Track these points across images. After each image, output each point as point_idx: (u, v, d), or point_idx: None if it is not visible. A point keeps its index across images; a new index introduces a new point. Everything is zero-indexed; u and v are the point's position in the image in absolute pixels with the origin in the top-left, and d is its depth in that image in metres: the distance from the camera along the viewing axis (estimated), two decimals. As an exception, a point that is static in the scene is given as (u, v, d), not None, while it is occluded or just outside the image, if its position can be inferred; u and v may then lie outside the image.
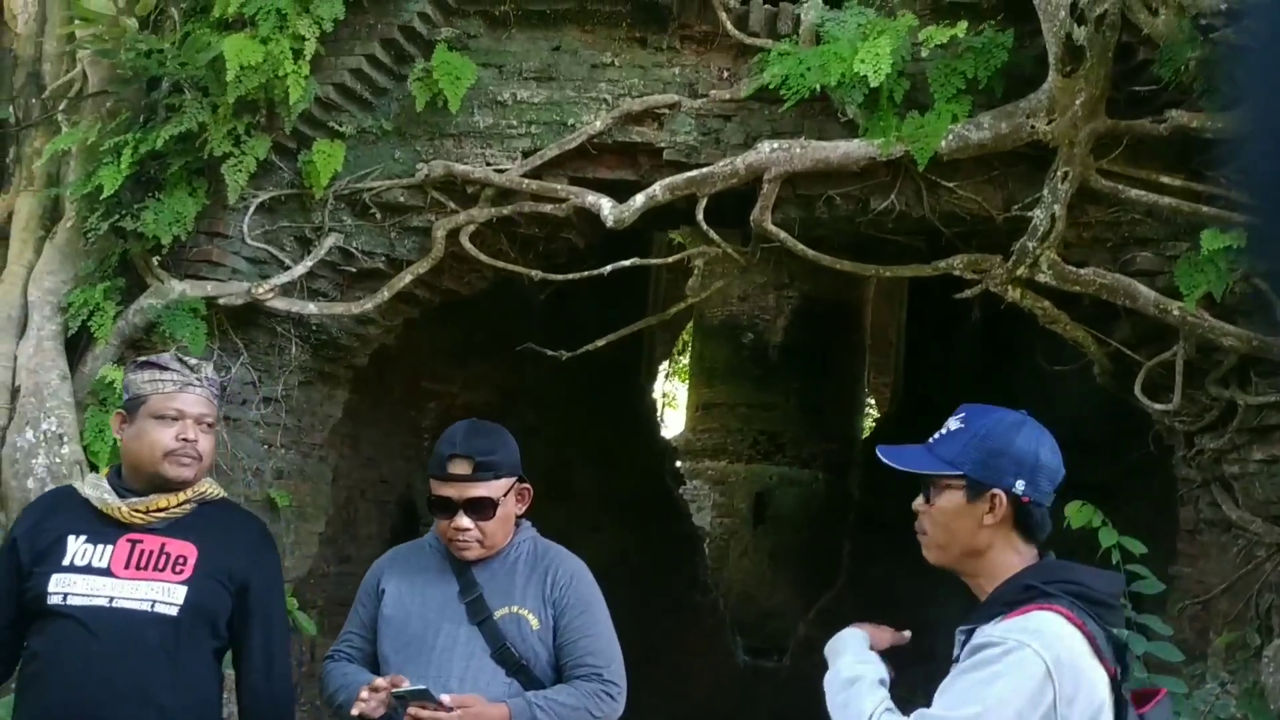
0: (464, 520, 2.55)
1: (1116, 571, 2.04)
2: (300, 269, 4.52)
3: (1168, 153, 4.01)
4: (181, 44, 4.34)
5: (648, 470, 9.92)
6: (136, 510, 2.56)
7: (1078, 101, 3.84)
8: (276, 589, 2.77)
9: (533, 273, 4.67)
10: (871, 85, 3.80)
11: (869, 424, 13.82)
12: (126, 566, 2.53)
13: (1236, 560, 4.31)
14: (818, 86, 3.96)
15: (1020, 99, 3.96)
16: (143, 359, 2.73)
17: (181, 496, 2.60)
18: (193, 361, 2.69)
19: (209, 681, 2.64)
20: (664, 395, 17.69)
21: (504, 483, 2.60)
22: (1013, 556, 1.95)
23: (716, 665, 9.53)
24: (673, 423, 16.84)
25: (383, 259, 4.64)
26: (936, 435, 2.02)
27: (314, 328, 4.71)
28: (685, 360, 16.31)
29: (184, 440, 2.56)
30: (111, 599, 2.51)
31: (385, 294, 4.60)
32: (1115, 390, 4.64)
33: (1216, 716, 3.88)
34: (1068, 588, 1.88)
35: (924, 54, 3.97)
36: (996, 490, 1.92)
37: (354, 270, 4.67)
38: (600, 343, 4.96)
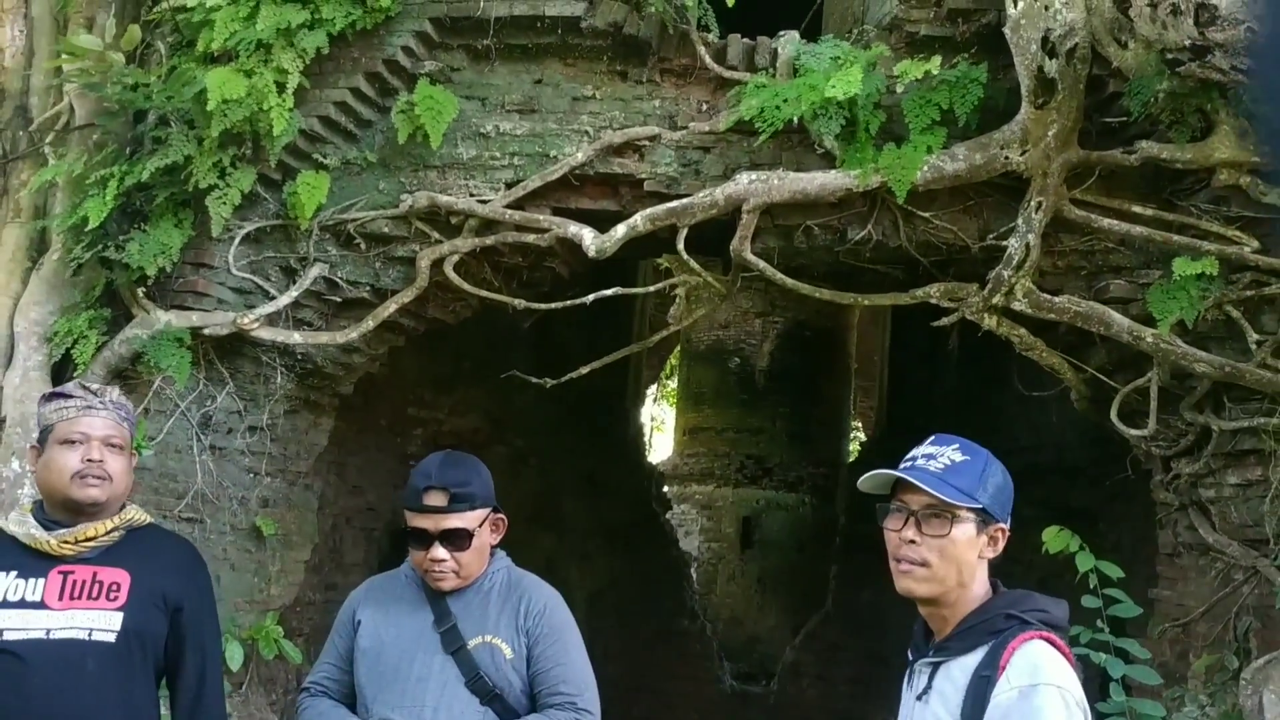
0: (440, 551, 2.57)
1: (1059, 598, 2.07)
2: (285, 299, 4.56)
3: (1139, 182, 4.08)
4: (167, 78, 4.40)
5: (635, 496, 9.94)
6: (65, 542, 2.54)
7: (1050, 133, 3.91)
8: (209, 611, 2.78)
9: (516, 302, 4.71)
10: (839, 103, 3.86)
11: (855, 448, 13.87)
12: (60, 598, 2.52)
13: (1215, 583, 4.35)
14: (794, 118, 4.03)
15: (994, 130, 4.03)
16: (49, 391, 2.73)
17: (110, 524, 2.59)
18: (95, 386, 2.70)
19: (150, 705, 2.64)
20: (652, 419, 17.71)
21: (479, 514, 2.62)
22: (980, 588, 1.99)
23: (704, 690, 9.53)
24: (661, 447, 16.86)
25: (367, 289, 4.68)
26: (938, 465, 1.98)
27: (299, 357, 4.74)
28: (673, 384, 16.36)
29: (89, 461, 2.55)
30: (48, 631, 2.49)
31: (370, 323, 4.64)
32: (1093, 416, 4.69)
33: (1196, 740, 3.90)
34: (1039, 615, 1.93)
35: (899, 88, 4.05)
36: (1003, 525, 1.97)
37: (339, 300, 4.71)
38: (584, 370, 4.99)
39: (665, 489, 11.25)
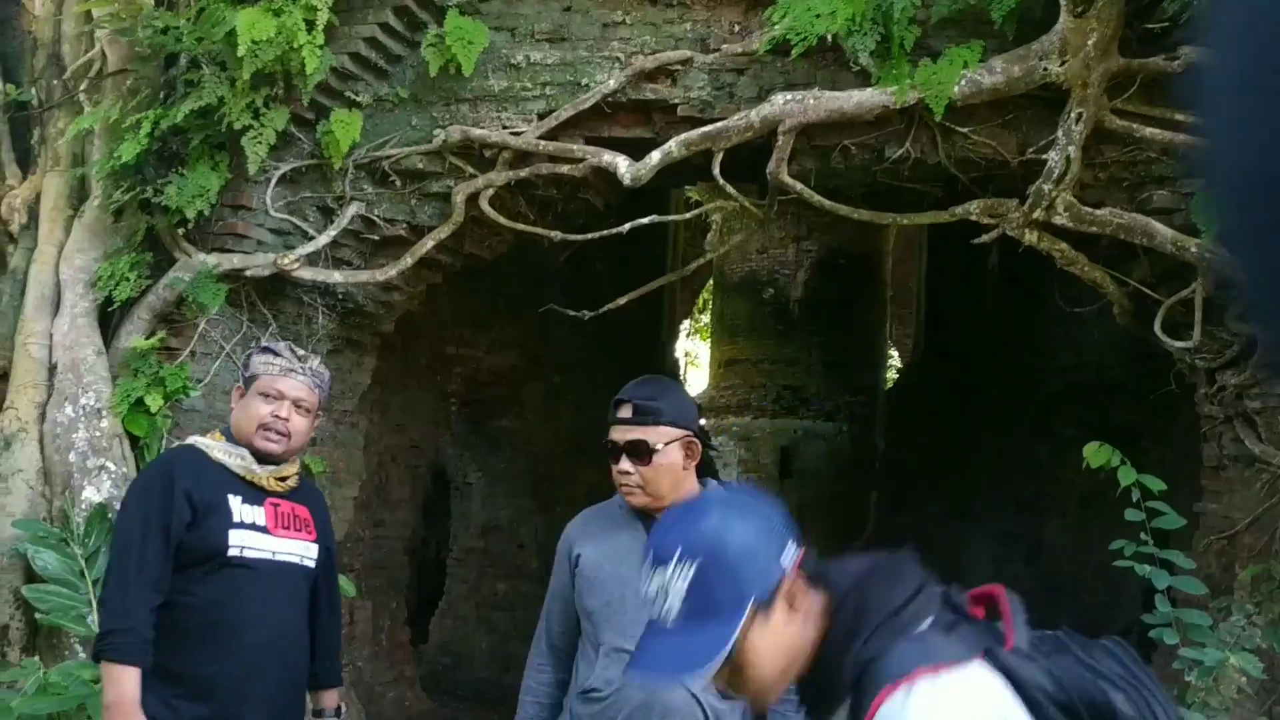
0: (625, 464, 2.59)
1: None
2: (324, 239, 4.58)
3: (1182, 89, 3.99)
4: (197, 19, 4.39)
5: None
6: (276, 478, 2.93)
7: (1090, 41, 3.83)
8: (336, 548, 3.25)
9: (552, 234, 4.70)
10: (874, 19, 3.77)
11: (892, 375, 13.84)
12: (276, 526, 2.91)
13: (1261, 494, 4.34)
14: (828, 36, 3.95)
15: (1032, 41, 3.95)
16: (264, 345, 3.10)
17: (294, 469, 3.00)
18: (301, 352, 3.04)
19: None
20: (686, 354, 17.73)
21: (664, 430, 2.59)
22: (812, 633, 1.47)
23: (747, 618, 9.64)
24: (695, 381, 16.89)
25: (404, 226, 4.69)
26: (671, 614, 1.44)
27: (340, 296, 4.78)
28: (706, 318, 16.33)
29: (277, 417, 2.90)
30: (274, 553, 2.89)
31: (408, 260, 4.66)
32: (1135, 330, 4.65)
33: (1243, 648, 3.92)
34: (884, 636, 1.38)
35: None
36: (780, 583, 1.45)
37: (376, 238, 4.73)
38: (622, 301, 4.99)
39: (702, 422, 11.30)
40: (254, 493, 2.90)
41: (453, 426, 7.86)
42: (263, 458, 2.91)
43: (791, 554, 1.46)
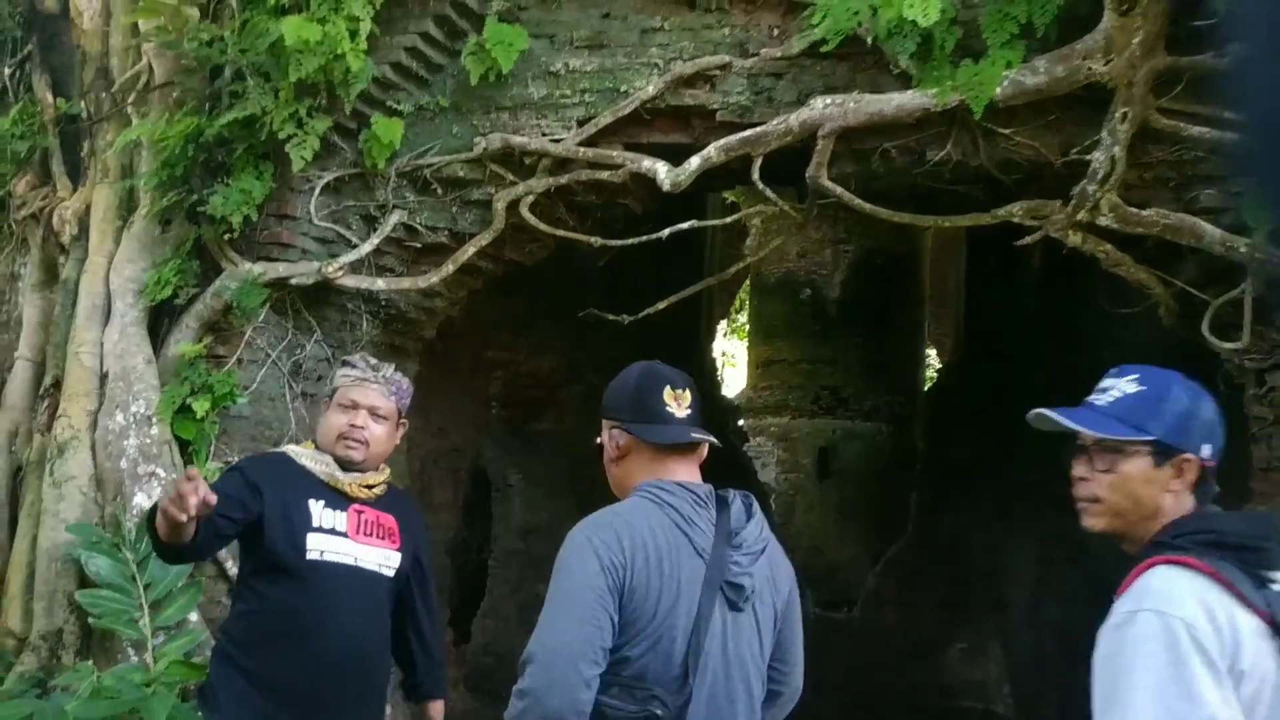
0: None
1: (1264, 512, 1.94)
2: (367, 247, 4.63)
3: (1216, 84, 3.94)
4: (241, 31, 4.45)
5: (712, 429, 9.98)
6: (362, 486, 2.98)
7: (1135, 40, 3.79)
8: (429, 558, 3.27)
9: (592, 240, 4.73)
10: (921, 27, 3.76)
11: (931, 375, 13.74)
12: (358, 532, 2.96)
13: (1313, 497, 4.27)
14: (863, 28, 3.91)
15: (1076, 41, 3.91)
16: (344, 359, 3.18)
17: (382, 477, 3.05)
18: (374, 361, 3.10)
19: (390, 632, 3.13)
20: (722, 354, 17.71)
21: (603, 424, 2.34)
22: (1170, 520, 1.84)
23: (787, 619, 9.63)
24: (731, 382, 16.87)
25: (446, 233, 4.73)
26: (1108, 399, 1.89)
27: (383, 303, 4.83)
28: (742, 319, 16.32)
29: (353, 426, 2.96)
30: (355, 559, 2.93)
31: (450, 267, 4.70)
32: (1182, 331, 4.59)
33: (1295, 653, 3.86)
34: (1198, 538, 1.75)
35: (975, 1, 3.94)
36: (1189, 455, 1.82)
37: (418, 245, 4.77)
38: (661, 305, 5.01)
39: (741, 422, 11.28)
40: (338, 499, 2.96)
41: (493, 430, 7.90)
42: (346, 465, 2.97)
43: (1208, 455, 1.82)
